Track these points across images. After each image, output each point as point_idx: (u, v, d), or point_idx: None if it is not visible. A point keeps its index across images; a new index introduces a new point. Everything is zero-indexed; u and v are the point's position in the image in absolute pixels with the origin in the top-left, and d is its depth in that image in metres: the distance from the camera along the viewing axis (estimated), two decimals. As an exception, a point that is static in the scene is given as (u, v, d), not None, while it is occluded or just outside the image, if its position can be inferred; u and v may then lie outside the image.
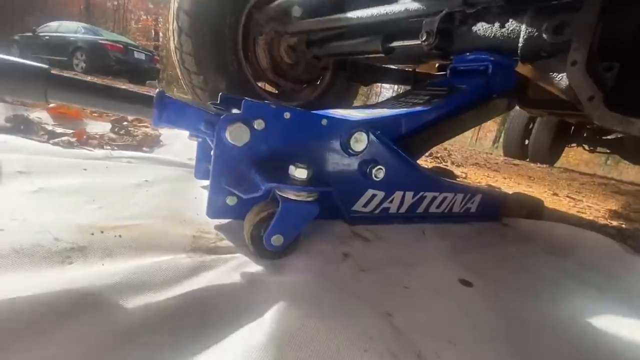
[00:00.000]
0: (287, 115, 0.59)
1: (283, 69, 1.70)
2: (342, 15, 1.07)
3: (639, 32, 0.77)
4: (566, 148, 5.58)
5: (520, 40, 0.84)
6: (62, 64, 8.22)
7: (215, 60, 1.49)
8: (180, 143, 1.14)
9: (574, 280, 0.62)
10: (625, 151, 4.41)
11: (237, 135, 0.53)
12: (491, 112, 0.92)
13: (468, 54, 0.95)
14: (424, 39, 0.80)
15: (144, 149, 1.02)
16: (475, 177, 2.13)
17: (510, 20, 0.83)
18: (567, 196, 2.03)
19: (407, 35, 0.93)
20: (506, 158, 4.97)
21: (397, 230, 0.75)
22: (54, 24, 9.38)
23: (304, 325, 0.33)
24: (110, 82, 4.84)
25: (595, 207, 1.81)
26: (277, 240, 0.50)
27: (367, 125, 0.69)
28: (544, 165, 4.64)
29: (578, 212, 1.60)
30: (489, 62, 0.91)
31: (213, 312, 0.37)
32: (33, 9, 17.01)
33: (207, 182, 0.69)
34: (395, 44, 0.97)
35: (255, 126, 0.56)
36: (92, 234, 0.45)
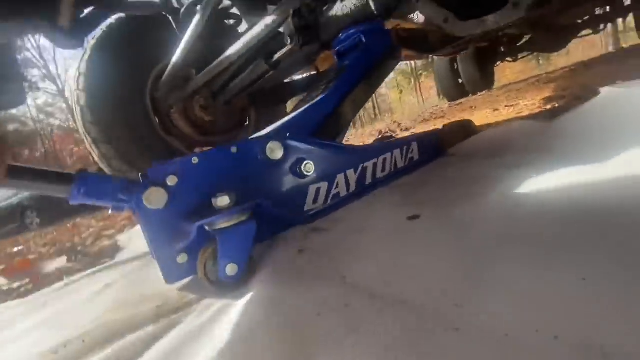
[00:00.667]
0: (195, 160, 0.62)
1: (207, 128, 1.74)
2: (223, 56, 1.14)
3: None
4: (497, 68, 5.93)
5: (370, 2, 0.93)
6: (17, 230, 7.93)
7: (141, 151, 1.51)
8: (139, 238, 1.14)
9: (508, 169, 0.65)
10: (539, 45, 4.74)
11: (154, 199, 0.56)
12: (382, 72, 0.99)
13: (340, 35, 1.03)
14: (290, 42, 0.87)
15: (104, 260, 1.02)
16: (423, 130, 2.22)
17: (352, -10, 0.92)
18: (506, 106, 2.16)
19: (280, 45, 1.00)
20: (451, 103, 5.21)
21: (352, 208, 0.78)
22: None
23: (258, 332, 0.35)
24: (67, 220, 4.74)
25: (530, 103, 1.93)
26: (231, 269, 0.52)
27: (276, 134, 0.74)
28: (484, 92, 4.90)
29: (517, 114, 1.70)
30: (359, 33, 0.99)
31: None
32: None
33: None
34: (276, 57, 1.04)
35: (169, 183, 0.58)
36: (56, 352, 0.46)
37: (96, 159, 1.57)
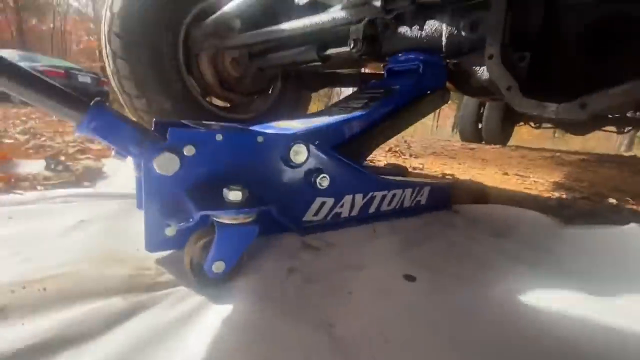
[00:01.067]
0: (219, 137, 0.59)
1: (230, 82, 1.68)
2: (276, 28, 1.08)
3: (543, 26, 0.85)
4: (517, 127, 5.99)
5: (443, 39, 0.89)
6: (-3, 96, 7.59)
7: (157, 81, 1.44)
8: (125, 173, 1.09)
9: (510, 261, 0.66)
10: (566, 123, 4.80)
11: (165, 165, 0.52)
12: (426, 108, 0.96)
13: (400, 55, 0.99)
14: (352, 46, 0.83)
15: (85, 184, 0.97)
16: (432, 166, 2.22)
17: (432, 21, 0.88)
18: (516, 174, 2.17)
19: (339, 42, 0.95)
20: (463, 143, 5.24)
21: (349, 233, 0.76)
22: (-18, 54, 8.61)
23: (234, 357, 0.33)
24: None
25: (540, 182, 1.95)
26: (218, 267, 0.49)
27: (305, 137, 0.70)
28: (498, 146, 4.94)
29: (525, 188, 1.71)
30: (419, 61, 0.96)
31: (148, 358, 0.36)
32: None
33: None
34: (329, 51, 0.99)
35: (185, 153, 0.55)
36: (13, 291, 0.43)
37: (108, 70, 1.49)
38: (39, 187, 0.88)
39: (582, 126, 4.73)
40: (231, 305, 0.44)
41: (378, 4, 0.75)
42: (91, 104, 0.52)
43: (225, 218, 0.50)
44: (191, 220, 0.49)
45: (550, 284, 0.58)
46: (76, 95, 0.53)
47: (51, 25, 20.00)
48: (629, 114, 4.65)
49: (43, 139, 1.73)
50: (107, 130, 0.53)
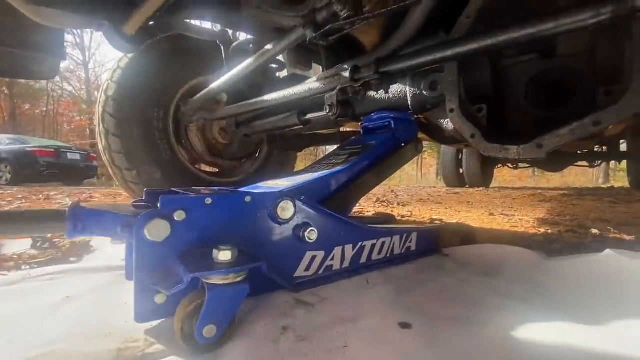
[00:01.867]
0: (208, 201, 0.62)
1: (219, 149, 1.77)
2: (260, 99, 1.19)
3: (493, 81, 0.97)
4: (496, 168, 6.27)
5: (408, 98, 1.00)
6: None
7: (147, 153, 1.51)
8: (111, 245, 1.08)
9: (503, 298, 0.67)
10: (541, 163, 5.07)
11: (156, 231, 0.54)
12: (403, 158, 1.04)
13: (373, 114, 1.09)
14: (328, 111, 0.92)
15: (71, 259, 0.96)
16: (419, 213, 2.26)
17: (396, 85, 1.00)
18: (502, 214, 2.23)
19: (317, 107, 1.06)
20: (448, 188, 5.40)
21: (342, 286, 0.76)
22: (-27, 141, 8.81)
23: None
24: (39, 188, 4.53)
25: (525, 219, 2.01)
26: (209, 331, 0.49)
27: (291, 193, 0.74)
28: (481, 188, 5.11)
29: (512, 226, 1.75)
30: (390, 118, 1.06)
31: None
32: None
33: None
34: (309, 116, 1.09)
35: (175, 218, 0.57)
36: (-6, 376, 0.41)
37: (100, 147, 1.56)
38: (24, 267, 0.86)
39: (555, 163, 5.01)
40: (224, 371, 0.43)
41: (347, 74, 0.86)
42: (68, 210, 0.55)
43: (215, 279, 0.50)
44: (181, 285, 0.49)
45: (541, 316, 0.59)
46: (52, 210, 0.56)
47: (44, 109, 20.89)
48: (596, 149, 5.00)
49: (29, 218, 1.71)
50: (92, 226, 0.56)
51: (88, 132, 20.53)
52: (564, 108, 0.97)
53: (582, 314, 0.59)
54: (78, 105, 21.30)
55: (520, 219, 2.01)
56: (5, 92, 18.49)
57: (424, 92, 0.95)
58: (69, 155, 8.61)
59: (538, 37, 0.63)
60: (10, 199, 2.90)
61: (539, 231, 1.61)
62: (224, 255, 0.52)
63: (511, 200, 3.26)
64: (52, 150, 8.25)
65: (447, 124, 0.97)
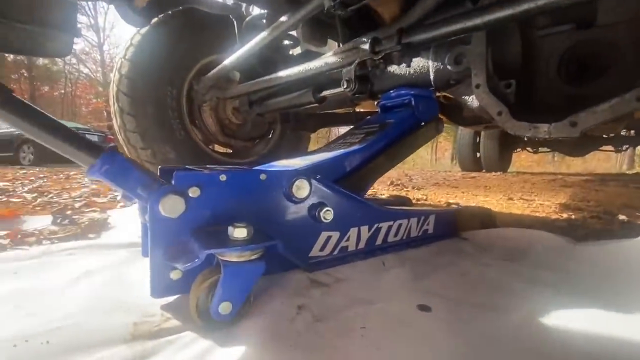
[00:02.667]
0: (222, 177, 0.60)
1: (232, 129, 1.75)
2: (274, 76, 1.15)
3: (523, 54, 0.90)
4: (515, 153, 6.07)
5: (431, 73, 0.94)
6: (9, 159, 7.88)
7: (161, 132, 1.50)
8: (129, 222, 1.09)
9: (528, 284, 0.64)
10: (563, 146, 4.86)
11: (170, 207, 0.53)
12: (422, 138, 0.99)
13: (392, 91, 1.04)
14: (345, 86, 0.88)
15: (90, 235, 0.97)
16: (435, 197, 2.21)
17: (417, 59, 0.94)
18: (521, 198, 2.16)
19: (333, 84, 1.01)
20: (464, 172, 5.27)
21: (357, 268, 0.74)
22: (-4, 122, 9.07)
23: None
24: (60, 169, 4.67)
25: (546, 204, 1.93)
26: (225, 308, 0.48)
27: (306, 172, 0.72)
28: (499, 173, 4.97)
29: (532, 211, 1.69)
30: (410, 95, 1.00)
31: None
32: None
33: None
34: (324, 93, 1.05)
35: (190, 194, 0.56)
36: (15, 345, 0.41)
37: (115, 126, 1.56)
38: (44, 242, 0.88)
39: (579, 147, 4.80)
40: (240, 349, 0.42)
41: (366, 47, 0.81)
42: (105, 149, 0.55)
43: (230, 256, 0.49)
44: (197, 260, 0.48)
45: (570, 303, 0.56)
46: (93, 142, 0.56)
47: (62, 91, 21.31)
48: (623, 133, 4.74)
49: (50, 196, 1.76)
50: (117, 174, 0.55)
51: (105, 114, 20.91)
52: (600, 84, 0.90)
53: (613, 301, 0.56)
54: (94, 87, 21.63)
55: (541, 204, 1.94)
56: (25, 74, 18.90)
57: (448, 66, 0.89)
58: (87, 137, 8.81)
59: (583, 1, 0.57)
60: (33, 178, 2.99)
61: (562, 216, 1.55)
62: (240, 232, 0.51)
63: (530, 185, 3.15)
64: (71, 132, 8.44)
65: (472, 100, 0.92)
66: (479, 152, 5.49)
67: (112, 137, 9.61)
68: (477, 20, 0.69)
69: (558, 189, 2.80)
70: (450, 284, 0.65)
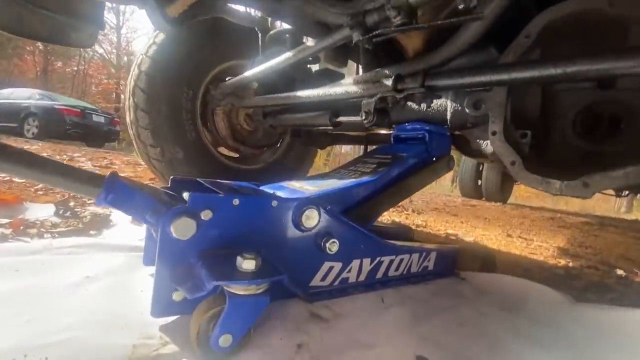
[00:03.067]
0: (235, 202, 0.60)
1: (242, 135, 1.76)
2: (292, 94, 1.16)
3: (542, 106, 0.91)
4: (515, 184, 6.08)
5: (448, 114, 0.95)
6: (12, 130, 7.87)
7: (173, 131, 1.51)
8: (130, 223, 1.09)
9: (525, 342, 0.63)
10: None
11: (182, 229, 0.53)
12: (433, 174, 1.00)
13: (407, 124, 1.05)
14: (364, 117, 0.88)
15: (91, 232, 0.97)
16: (435, 224, 2.22)
17: (437, 100, 0.95)
18: (520, 236, 2.16)
19: (350, 111, 1.02)
20: (464, 199, 5.28)
21: (357, 302, 0.74)
22: (6, 91, 9.10)
23: None
24: (63, 147, 4.66)
25: (544, 246, 1.94)
26: (225, 340, 0.48)
27: (317, 201, 0.72)
28: (498, 204, 4.98)
29: (530, 253, 1.69)
30: (424, 130, 1.01)
31: None
32: (-17, 76, 16.55)
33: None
34: (341, 118, 1.06)
35: (202, 217, 0.56)
36: (14, 359, 0.41)
37: (127, 120, 1.57)
38: (46, 235, 0.88)
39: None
40: (237, 388, 0.42)
41: (389, 83, 0.82)
42: (106, 178, 0.54)
43: (237, 289, 0.49)
44: (203, 290, 0.48)
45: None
46: (92, 173, 0.55)
47: (75, 68, 21.38)
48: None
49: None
50: (123, 201, 0.55)
51: (114, 95, 20.96)
52: (615, 143, 0.91)
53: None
54: (107, 68, 21.71)
55: (539, 245, 1.94)
56: (40, 47, 18.98)
57: (466, 109, 0.90)
58: (94, 117, 8.82)
59: (610, 74, 0.58)
60: (36, 155, 2.99)
61: (560, 262, 1.55)
62: (248, 264, 0.51)
63: (529, 221, 3.16)
64: (79, 110, 8.46)
65: (486, 145, 0.92)
66: (480, 179, 5.51)
67: (118, 120, 9.63)
68: (504, 76, 0.70)
69: (556, 229, 2.81)
70: (449, 332, 0.65)
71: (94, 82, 22.39)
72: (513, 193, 6.32)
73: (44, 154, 2.85)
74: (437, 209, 3.22)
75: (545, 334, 0.68)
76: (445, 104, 0.95)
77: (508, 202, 5.72)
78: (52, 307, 0.54)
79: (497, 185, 5.22)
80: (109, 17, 20.03)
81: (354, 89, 0.93)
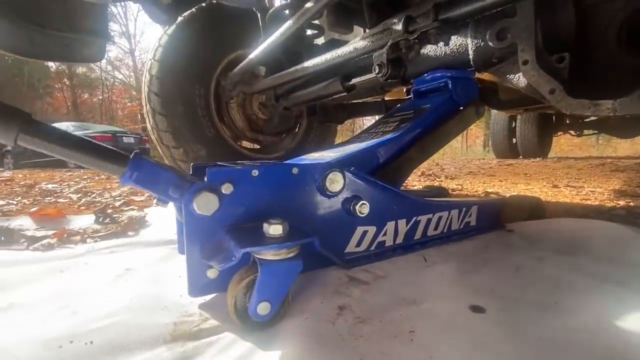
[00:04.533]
0: (255, 172, 0.58)
1: (259, 124, 1.74)
2: (300, 67, 1.11)
3: (577, 25, 0.80)
4: (554, 137, 5.65)
5: (470, 52, 0.86)
6: (56, 163, 8.51)
7: (192, 131, 1.53)
8: (165, 219, 1.12)
9: (591, 280, 0.57)
10: (611, 128, 4.46)
11: (205, 205, 0.52)
12: (462, 123, 0.92)
13: (426, 75, 0.97)
14: (377, 71, 0.82)
15: (130, 233, 1.00)
16: (471, 186, 2.10)
17: (455, 36, 0.87)
18: (568, 185, 2.00)
19: (363, 71, 0.96)
20: (500, 160, 4.99)
21: (397, 264, 0.70)
22: (44, 129, 9.81)
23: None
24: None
25: (598, 191, 1.77)
26: (263, 308, 0.46)
27: (339, 164, 0.68)
28: (538, 159, 4.65)
29: (582, 199, 1.55)
30: (446, 78, 0.93)
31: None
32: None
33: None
34: (354, 81, 1.00)
35: (223, 191, 0.54)
36: (61, 346, 0.42)
37: (148, 127, 1.61)
38: (88, 240, 0.92)
39: (629, 128, 4.36)
40: (281, 352, 0.40)
41: (399, 27, 0.76)
42: (131, 156, 0.54)
43: (267, 254, 0.47)
44: (233, 259, 0.46)
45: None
46: (117, 151, 0.55)
47: (100, 97, 22.64)
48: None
49: (93, 195, 1.85)
50: (147, 179, 0.55)
51: (139, 116, 21.97)
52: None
53: None
54: (128, 91, 22.77)
55: (591, 191, 1.78)
56: (67, 83, 20.25)
57: (490, 43, 0.81)
58: (125, 139, 9.32)
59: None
60: (77, 179, 3.19)
61: (619, 204, 1.40)
62: (275, 229, 0.48)
63: (576, 170, 2.92)
64: (110, 135, 8.98)
65: (518, 79, 0.83)
66: (515, 137, 5.17)
67: (146, 138, 10.09)
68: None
69: (609, 174, 2.57)
70: (503, 280, 0.59)
71: (119, 107, 23.61)
72: (553, 147, 5.88)
73: (85, 177, 3.02)
74: (471, 173, 3.06)
75: (613, 270, 0.60)
76: (465, 43, 0.86)
77: (548, 156, 5.34)
78: (96, 298, 0.55)
79: (534, 139, 4.88)
80: (121, 42, 20.89)
81: (362, 44, 0.87)
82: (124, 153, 0.55)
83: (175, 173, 0.56)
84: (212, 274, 0.55)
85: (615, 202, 1.46)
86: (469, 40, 0.84)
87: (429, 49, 0.89)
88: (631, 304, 0.49)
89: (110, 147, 0.55)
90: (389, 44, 0.79)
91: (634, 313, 0.47)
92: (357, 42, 0.91)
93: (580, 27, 0.83)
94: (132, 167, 0.53)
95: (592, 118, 4.53)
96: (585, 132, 5.16)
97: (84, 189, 2.23)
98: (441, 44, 0.85)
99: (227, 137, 1.66)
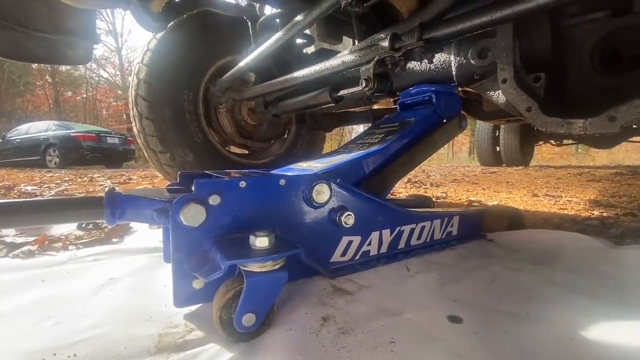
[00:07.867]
0: (242, 184, 0.59)
1: (248, 130, 1.75)
2: (289, 76, 1.13)
3: (553, 46, 0.85)
4: (536, 146, 5.84)
5: (453, 69, 0.90)
6: (36, 163, 8.24)
7: (180, 136, 1.52)
8: (151, 228, 1.11)
9: (562, 291, 0.60)
10: (589, 139, 4.64)
11: (192, 216, 0.52)
12: (445, 136, 0.96)
13: (411, 88, 1.01)
14: (364, 85, 0.85)
15: (114, 240, 0.99)
16: (455, 194, 2.15)
17: (439, 54, 0.90)
18: (547, 195, 2.07)
19: (351, 83, 0.98)
20: (484, 167, 5.13)
21: (380, 273, 0.72)
22: (24, 127, 9.53)
23: None
24: (84, 171, 4.83)
25: (575, 200, 1.85)
26: (248, 319, 0.47)
27: (326, 176, 0.70)
28: (520, 167, 4.80)
29: (560, 209, 1.62)
30: (430, 92, 0.97)
31: None
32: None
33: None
34: (342, 92, 1.03)
35: (210, 202, 0.55)
36: (43, 359, 0.41)
37: (134, 130, 1.59)
38: (70, 247, 0.90)
39: (607, 139, 4.56)
40: (265, 363, 0.41)
41: (385, 44, 0.78)
42: (103, 197, 0.54)
43: (253, 266, 0.48)
44: (219, 271, 0.47)
45: (611, 314, 0.52)
46: (88, 196, 0.55)
47: (84, 96, 22.07)
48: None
49: (75, 199, 1.81)
50: (129, 212, 0.55)
51: (125, 116, 21.52)
52: (638, 75, 0.84)
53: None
54: (114, 90, 22.27)
55: (568, 201, 1.85)
56: (49, 80, 19.67)
57: (472, 61, 0.85)
58: (109, 140, 9.10)
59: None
60: (59, 181, 3.11)
61: (593, 214, 1.47)
62: (261, 241, 0.50)
63: (555, 180, 3.03)
64: (94, 134, 8.75)
65: (498, 96, 0.87)
66: (498, 146, 5.33)
67: (131, 139, 9.89)
68: (508, 11, 0.64)
69: (586, 183, 2.68)
70: (480, 291, 0.62)
71: (103, 106, 23.06)
72: (535, 155, 6.08)
73: (67, 179, 2.94)
74: (456, 180, 3.14)
75: (586, 280, 0.64)
76: (448, 59, 0.90)
77: (530, 165, 5.52)
78: (79, 309, 0.55)
79: (516, 148, 5.04)
80: (107, 40, 20.46)
81: (350, 57, 0.89)
82: (94, 196, 0.55)
83: (154, 196, 0.57)
84: (197, 284, 0.55)
85: (589, 212, 1.52)
86: (452, 58, 0.88)
87: (414, 65, 0.93)
88: (598, 314, 0.52)
89: (78, 197, 0.54)
90: (375, 59, 0.82)
91: (600, 323, 0.50)
92: (345, 55, 0.93)
93: (557, 48, 0.88)
94: (109, 204, 0.53)
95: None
96: (565, 141, 5.36)
97: (65, 192, 2.18)
98: (425, 60, 0.88)
99: (215, 142, 1.66)
